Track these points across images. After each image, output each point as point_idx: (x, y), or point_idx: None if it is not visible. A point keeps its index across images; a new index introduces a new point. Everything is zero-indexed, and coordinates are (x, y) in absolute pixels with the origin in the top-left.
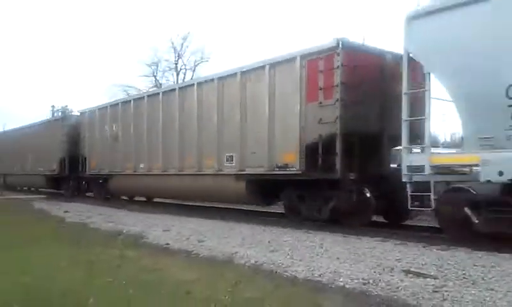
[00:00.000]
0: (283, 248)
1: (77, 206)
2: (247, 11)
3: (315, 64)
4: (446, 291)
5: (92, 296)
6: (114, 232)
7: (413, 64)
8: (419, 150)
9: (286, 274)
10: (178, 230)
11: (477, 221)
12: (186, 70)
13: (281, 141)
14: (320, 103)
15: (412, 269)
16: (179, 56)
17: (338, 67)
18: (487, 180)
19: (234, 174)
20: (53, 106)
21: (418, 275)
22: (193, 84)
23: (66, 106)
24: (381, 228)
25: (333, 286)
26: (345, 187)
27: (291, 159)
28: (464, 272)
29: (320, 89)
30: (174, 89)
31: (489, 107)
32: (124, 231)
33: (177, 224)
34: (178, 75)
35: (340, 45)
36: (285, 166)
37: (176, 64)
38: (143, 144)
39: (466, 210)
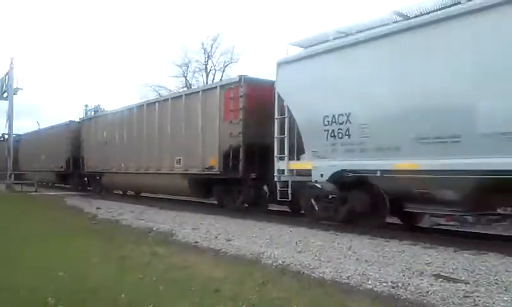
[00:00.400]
0: (310, 249)
1: (108, 204)
2: (276, 11)
3: (228, 93)
4: (477, 296)
5: (123, 292)
6: (145, 229)
7: (279, 97)
8: (285, 158)
9: (313, 275)
10: (206, 229)
11: (317, 209)
12: (216, 70)
13: (208, 149)
14: (231, 121)
15: (442, 273)
16: (209, 57)
17: (241, 96)
18: (315, 180)
19: (181, 174)
20: (86, 105)
21: (449, 279)
22: (155, 102)
23: (99, 105)
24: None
25: (361, 288)
26: (247, 184)
27: (214, 163)
28: (496, 277)
29: (231, 111)
30: (143, 105)
31: (315, 130)
32: (154, 228)
33: (206, 223)
34: (207, 76)
35: (242, 80)
36: (211, 168)
37: (206, 65)
38: (123, 148)
39: (312, 200)
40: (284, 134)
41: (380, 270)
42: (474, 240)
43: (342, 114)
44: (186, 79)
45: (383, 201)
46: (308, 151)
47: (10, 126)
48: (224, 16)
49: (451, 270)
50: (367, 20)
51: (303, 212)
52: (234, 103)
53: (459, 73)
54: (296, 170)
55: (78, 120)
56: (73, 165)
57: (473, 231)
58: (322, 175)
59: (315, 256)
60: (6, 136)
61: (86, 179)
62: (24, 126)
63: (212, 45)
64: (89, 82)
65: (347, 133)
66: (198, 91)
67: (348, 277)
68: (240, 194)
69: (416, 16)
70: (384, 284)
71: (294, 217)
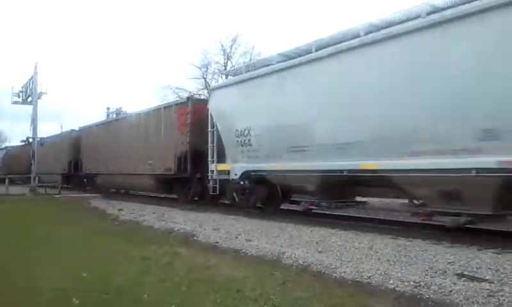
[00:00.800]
0: (331, 249)
1: (129, 205)
2: (295, 10)
3: (180, 110)
4: (502, 296)
5: (146, 292)
6: (167, 230)
7: (211, 115)
8: (214, 162)
9: (334, 274)
10: (226, 229)
11: (237, 200)
12: None
13: (168, 154)
14: (182, 132)
15: (466, 273)
16: (228, 58)
17: (188, 113)
18: (232, 178)
19: (150, 174)
20: (108, 108)
21: (472, 279)
22: (132, 115)
23: (121, 108)
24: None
25: (383, 288)
26: (194, 182)
27: (171, 165)
28: None
29: (182, 124)
30: (125, 117)
31: (231, 140)
32: (176, 229)
33: (226, 224)
34: (227, 77)
35: (190, 100)
36: (169, 170)
37: (225, 66)
38: (110, 153)
39: (234, 193)
40: (213, 143)
41: (402, 269)
42: (499, 238)
43: (246, 129)
44: (206, 81)
45: (277, 192)
46: (228, 156)
47: (34, 130)
48: (244, 16)
49: (475, 269)
50: (259, 60)
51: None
52: (184, 119)
53: (302, 103)
54: (223, 171)
55: (78, 129)
56: (74, 168)
57: (498, 229)
58: (236, 174)
59: (336, 255)
60: (31, 140)
61: (84, 180)
62: (48, 129)
63: (231, 46)
64: (111, 85)
65: (249, 143)
66: (161, 108)
67: (369, 277)
68: (190, 190)
69: (296, 57)
70: (407, 283)
71: (312, 216)
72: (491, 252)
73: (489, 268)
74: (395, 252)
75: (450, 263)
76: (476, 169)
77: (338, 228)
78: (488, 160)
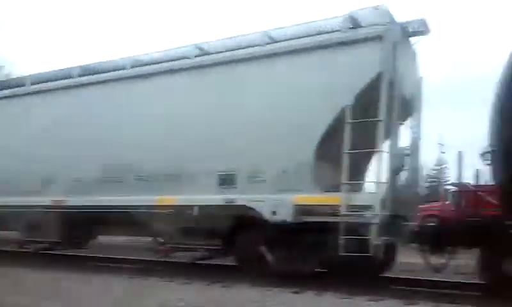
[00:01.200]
0: (60, 294)
1: None
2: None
3: None
4: None
5: None
6: None
7: None
8: None
9: None
10: None
11: None
12: None
13: None
14: None
15: None
16: None
17: None
18: None
19: None
20: None
21: None
22: None
23: None
24: None
25: None
26: None
27: None
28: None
29: None
30: None
31: None
32: None
33: None
34: None
35: None
36: None
37: None
38: None
39: None
40: None
41: None
42: (227, 273)
43: None
44: None
45: None
46: None
47: None
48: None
49: (202, 304)
50: None
51: None
52: None
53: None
54: None
55: None
56: None
57: (225, 263)
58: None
59: (63, 301)
60: None
61: None
62: None
63: None
64: None
65: None
66: None
67: None
68: None
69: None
70: None
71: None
72: (218, 286)
73: (214, 303)
74: (127, 292)
75: (180, 299)
76: (38, 206)
77: (71, 270)
78: (45, 199)
